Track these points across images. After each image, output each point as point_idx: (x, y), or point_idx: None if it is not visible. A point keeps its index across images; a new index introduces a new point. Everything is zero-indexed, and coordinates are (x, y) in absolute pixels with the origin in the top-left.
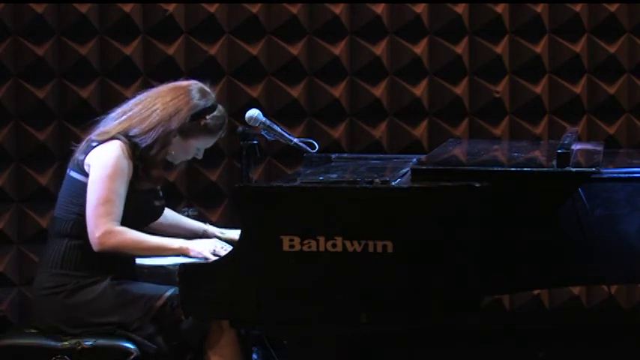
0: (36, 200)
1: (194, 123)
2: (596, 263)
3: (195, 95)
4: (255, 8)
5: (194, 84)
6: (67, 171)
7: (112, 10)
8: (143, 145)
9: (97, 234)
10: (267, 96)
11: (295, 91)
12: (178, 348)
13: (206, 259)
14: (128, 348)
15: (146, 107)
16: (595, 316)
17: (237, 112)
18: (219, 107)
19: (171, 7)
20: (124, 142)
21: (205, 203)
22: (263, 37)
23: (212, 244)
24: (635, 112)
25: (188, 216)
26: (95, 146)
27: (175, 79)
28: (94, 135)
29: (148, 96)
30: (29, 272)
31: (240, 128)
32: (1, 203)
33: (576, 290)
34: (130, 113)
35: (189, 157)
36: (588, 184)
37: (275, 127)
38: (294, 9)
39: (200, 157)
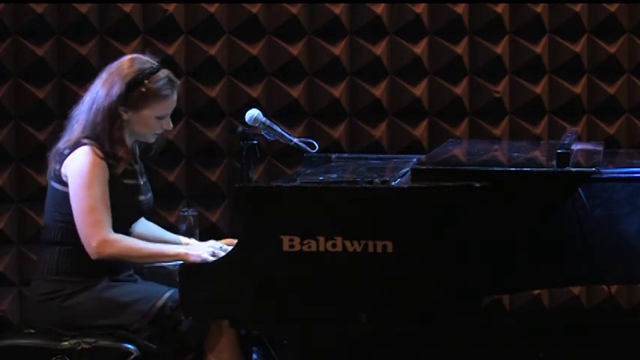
0: (36, 200)
1: (135, 92)
2: (596, 263)
3: (127, 64)
4: (255, 8)
5: (128, 56)
6: (48, 180)
7: (112, 10)
8: (100, 132)
9: (94, 244)
10: (267, 96)
11: (295, 91)
12: (178, 349)
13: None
14: (128, 348)
15: (90, 97)
16: (595, 316)
17: (237, 112)
18: (162, 70)
19: (171, 7)
20: (90, 144)
21: (205, 203)
22: (263, 37)
23: (210, 247)
24: (635, 112)
25: (188, 216)
26: (68, 154)
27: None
28: (62, 143)
29: (92, 86)
30: (29, 272)
31: (240, 128)
32: (1, 203)
33: (576, 290)
34: (81, 110)
35: (157, 131)
36: (588, 184)
37: (275, 127)
38: (294, 9)
39: (169, 127)
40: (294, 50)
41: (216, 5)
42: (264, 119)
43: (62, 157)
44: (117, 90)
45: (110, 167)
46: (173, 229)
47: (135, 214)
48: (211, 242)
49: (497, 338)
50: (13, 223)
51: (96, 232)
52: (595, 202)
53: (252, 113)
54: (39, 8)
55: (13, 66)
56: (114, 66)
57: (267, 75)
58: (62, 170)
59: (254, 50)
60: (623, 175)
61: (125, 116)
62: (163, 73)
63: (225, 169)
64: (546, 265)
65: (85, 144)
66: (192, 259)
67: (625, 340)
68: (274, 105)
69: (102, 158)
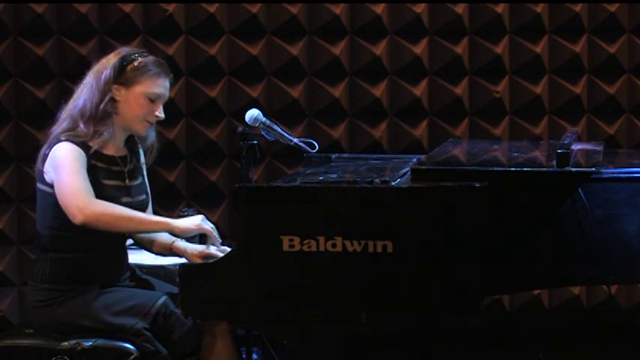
0: (36, 200)
1: (127, 67)
2: (596, 263)
3: (115, 53)
4: (255, 8)
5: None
6: (36, 185)
7: (112, 10)
8: (86, 110)
9: (80, 205)
10: (267, 96)
11: (295, 91)
12: (175, 354)
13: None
14: (128, 348)
15: (80, 90)
16: (595, 316)
17: (237, 112)
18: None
19: (171, 7)
20: (67, 139)
21: (205, 203)
22: (263, 37)
23: (197, 220)
24: (635, 112)
25: (188, 216)
26: (48, 153)
27: (176, 80)
28: (45, 146)
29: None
30: (29, 272)
31: (240, 128)
32: (1, 203)
33: (576, 290)
34: (66, 108)
35: (148, 117)
36: (588, 184)
37: (275, 127)
38: (294, 9)
39: (161, 115)
40: (294, 50)
41: (216, 5)
42: (264, 119)
43: (44, 157)
44: (110, 67)
45: (92, 168)
46: None
47: None
48: (200, 217)
49: (498, 338)
50: (13, 223)
51: (81, 195)
52: (595, 202)
53: (252, 113)
54: (39, 8)
55: (13, 66)
56: (101, 60)
57: (267, 75)
58: (44, 168)
59: (254, 50)
60: (623, 175)
61: (117, 95)
62: (153, 56)
63: (225, 169)
64: (546, 265)
65: (60, 140)
66: (177, 231)
67: (625, 340)
68: (274, 105)
69: (77, 144)
